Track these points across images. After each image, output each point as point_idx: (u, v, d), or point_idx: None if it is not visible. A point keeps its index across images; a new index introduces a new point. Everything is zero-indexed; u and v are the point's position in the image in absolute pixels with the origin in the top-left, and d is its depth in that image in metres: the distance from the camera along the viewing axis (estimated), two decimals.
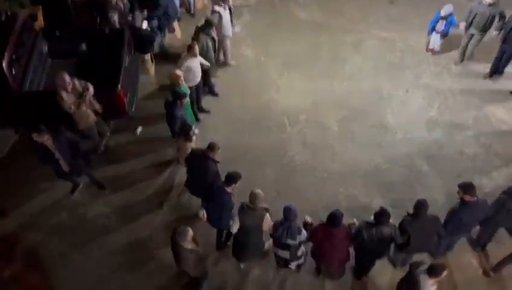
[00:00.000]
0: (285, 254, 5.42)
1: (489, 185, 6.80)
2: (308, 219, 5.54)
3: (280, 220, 5.14)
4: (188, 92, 6.77)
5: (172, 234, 4.88)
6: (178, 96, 6.34)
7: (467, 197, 5.16)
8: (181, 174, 6.93)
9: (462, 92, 8.37)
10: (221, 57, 8.79)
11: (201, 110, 7.88)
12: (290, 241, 5.18)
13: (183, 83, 6.70)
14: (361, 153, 7.39)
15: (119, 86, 6.87)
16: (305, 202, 6.65)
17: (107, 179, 7.03)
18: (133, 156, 7.37)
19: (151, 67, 8.82)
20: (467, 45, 8.62)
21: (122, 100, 6.98)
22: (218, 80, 8.62)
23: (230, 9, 8.15)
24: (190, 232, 4.81)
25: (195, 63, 7.01)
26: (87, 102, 6.43)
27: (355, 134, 7.68)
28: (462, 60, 8.89)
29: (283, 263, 5.71)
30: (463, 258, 6.12)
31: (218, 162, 5.75)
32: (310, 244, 5.44)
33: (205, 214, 5.76)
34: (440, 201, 6.62)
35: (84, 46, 7.78)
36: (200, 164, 5.70)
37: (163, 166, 7.26)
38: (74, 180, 6.72)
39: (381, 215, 5.01)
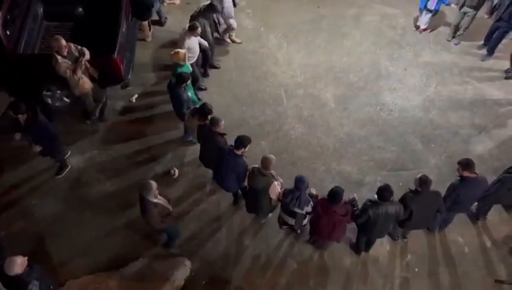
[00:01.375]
0: (291, 221, 5.57)
1: (481, 167, 6.88)
2: (314, 191, 5.60)
3: (291, 188, 5.26)
4: (190, 70, 6.73)
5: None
6: (182, 79, 6.20)
7: (466, 174, 5.28)
8: (175, 141, 6.95)
9: (460, 72, 8.34)
10: (227, 38, 8.64)
11: (199, 88, 7.75)
12: (297, 210, 5.30)
13: (187, 62, 6.63)
14: (356, 129, 7.43)
15: (116, 52, 6.78)
16: None
17: (101, 146, 7.06)
18: (128, 123, 7.37)
19: (149, 34, 8.68)
20: (459, 23, 8.63)
21: (119, 67, 6.91)
22: (216, 49, 8.49)
23: None
24: (154, 185, 4.97)
25: (195, 42, 6.90)
26: (82, 67, 6.35)
27: (351, 110, 7.69)
28: (453, 37, 8.88)
29: (285, 224, 5.83)
30: (450, 235, 6.29)
31: (225, 134, 5.80)
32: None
33: (176, 172, 5.81)
34: (431, 180, 6.73)
35: (80, 10, 7.62)
36: (209, 139, 5.78)
37: (158, 134, 7.27)
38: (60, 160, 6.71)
39: (385, 191, 5.07)
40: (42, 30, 7.48)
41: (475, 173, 5.31)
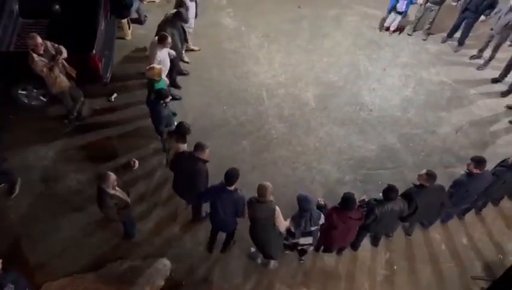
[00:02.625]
0: (309, 240, 5.30)
1: (457, 165, 7.04)
2: (322, 201, 5.51)
3: (297, 213, 5.01)
4: (167, 84, 6.56)
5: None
6: (162, 95, 5.93)
7: (476, 171, 5.43)
8: (156, 140, 6.89)
9: (438, 72, 8.51)
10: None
11: (174, 98, 7.32)
12: (313, 228, 5.12)
13: (163, 77, 6.39)
14: (336, 129, 7.49)
15: (94, 50, 6.67)
16: (279, 175, 6.76)
17: (80, 146, 6.94)
18: (107, 123, 7.26)
19: (128, 32, 8.58)
20: (420, 18, 8.90)
21: (97, 65, 6.80)
22: (197, 48, 8.47)
23: (196, 2, 7.66)
24: (112, 177, 4.95)
25: (165, 54, 6.64)
26: (60, 66, 6.23)
27: (331, 110, 7.75)
28: (415, 30, 9.12)
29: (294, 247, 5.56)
30: (427, 233, 6.40)
31: (207, 161, 5.35)
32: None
33: (136, 163, 5.55)
34: (409, 179, 6.79)
35: (57, 7, 7.47)
36: (189, 166, 5.30)
37: (138, 134, 7.18)
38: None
39: (391, 192, 5.11)
40: (18, 27, 7.31)
41: (483, 170, 5.50)
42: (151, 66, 6.25)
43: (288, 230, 5.12)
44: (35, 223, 6.13)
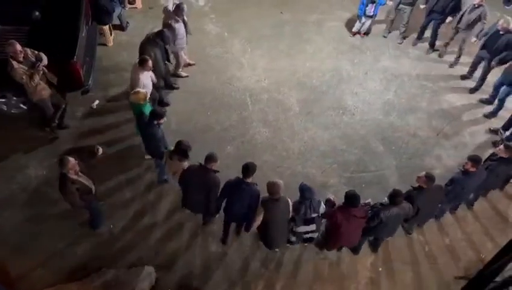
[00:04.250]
0: (312, 227, 5.43)
1: (438, 166, 7.18)
2: (331, 197, 5.61)
3: (298, 200, 5.19)
4: (151, 109, 6.18)
5: None
6: (157, 115, 5.74)
7: (472, 169, 5.60)
8: (139, 146, 6.83)
9: (418, 76, 8.67)
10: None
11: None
12: (313, 215, 5.25)
13: (148, 101, 6.17)
14: (320, 133, 7.56)
15: (75, 56, 6.61)
16: (264, 180, 6.72)
17: (62, 154, 6.81)
18: (89, 130, 7.18)
19: (110, 39, 8.52)
20: (394, 19, 9.13)
21: (78, 72, 6.75)
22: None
23: (184, 22, 7.41)
24: (71, 161, 4.95)
25: (147, 77, 6.46)
26: (40, 73, 6.14)
27: (314, 114, 7.82)
28: (389, 32, 9.36)
29: (302, 239, 5.74)
30: (410, 235, 6.50)
31: (218, 171, 5.33)
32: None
33: (100, 149, 5.53)
34: (392, 181, 6.97)
35: (37, 13, 7.36)
36: (202, 178, 5.24)
37: (121, 140, 7.11)
38: None
39: (397, 197, 5.18)
40: None
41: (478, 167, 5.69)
42: (136, 90, 6.05)
43: (292, 219, 5.29)
44: (17, 233, 6.01)
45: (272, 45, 8.95)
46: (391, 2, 8.89)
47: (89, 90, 7.41)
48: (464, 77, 8.71)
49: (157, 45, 6.77)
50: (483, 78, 8.28)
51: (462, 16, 8.19)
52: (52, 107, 6.75)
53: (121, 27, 8.79)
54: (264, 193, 5.19)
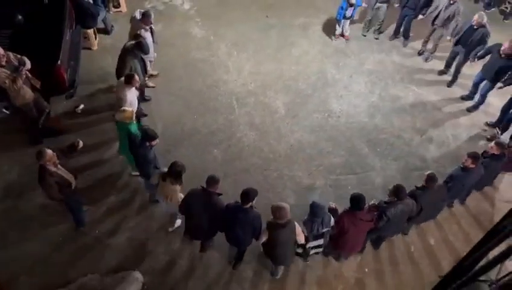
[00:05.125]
0: (320, 242, 5.38)
1: (423, 167, 7.28)
2: (333, 205, 5.55)
3: (309, 218, 5.09)
4: (137, 127, 6.03)
5: None
6: (149, 136, 5.49)
7: (472, 165, 5.73)
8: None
9: (401, 79, 8.80)
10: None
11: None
12: (324, 230, 5.20)
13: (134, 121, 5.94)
14: (306, 135, 7.61)
15: (59, 60, 6.55)
16: (251, 183, 6.75)
17: None
18: (73, 135, 7.09)
19: (95, 43, 8.46)
20: (372, 18, 9.34)
21: (62, 76, 6.69)
22: (166, 58, 8.44)
23: (151, 30, 7.25)
24: (49, 153, 4.96)
25: (133, 94, 6.31)
26: (23, 77, 6.07)
27: (300, 117, 7.87)
28: (368, 30, 9.58)
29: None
30: (395, 236, 6.57)
31: (221, 194, 5.14)
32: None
33: (80, 143, 5.45)
34: (377, 182, 7.05)
35: (20, 17, 7.27)
36: (206, 204, 5.03)
37: (106, 145, 7.06)
38: None
39: (400, 192, 5.20)
40: None
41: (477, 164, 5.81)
42: (123, 109, 5.83)
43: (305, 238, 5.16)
44: (1, 240, 5.91)
45: (258, 48, 8.99)
46: (366, 5, 9.18)
47: (74, 94, 7.35)
48: (441, 72, 8.97)
49: (137, 56, 6.61)
50: (457, 71, 8.59)
51: (438, 13, 8.45)
52: (35, 111, 6.67)
53: (105, 31, 8.74)
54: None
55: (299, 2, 10.24)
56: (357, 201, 5.03)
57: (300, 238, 5.07)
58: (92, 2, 8.01)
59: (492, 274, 4.45)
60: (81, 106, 7.50)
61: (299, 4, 10.18)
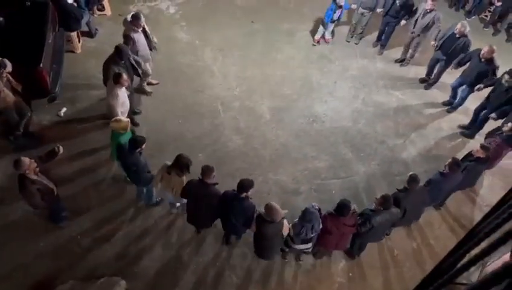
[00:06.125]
0: (307, 246, 5.54)
1: (405, 172, 7.36)
2: (316, 206, 5.61)
3: (299, 221, 5.22)
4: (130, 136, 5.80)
5: None
6: (137, 143, 5.41)
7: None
8: (107, 153, 6.71)
9: (385, 85, 8.92)
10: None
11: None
12: (313, 235, 5.32)
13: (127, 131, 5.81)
14: (291, 140, 7.65)
15: (41, 63, 6.46)
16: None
17: None
18: (56, 139, 6.97)
19: (78, 46, 8.37)
20: (356, 23, 9.42)
21: (45, 79, 6.62)
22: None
23: (145, 31, 7.19)
24: (26, 161, 4.90)
25: (124, 94, 6.22)
26: (4, 80, 5.97)
27: (286, 122, 7.91)
28: (352, 36, 9.69)
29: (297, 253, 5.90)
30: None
31: (217, 183, 5.36)
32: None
33: (61, 148, 5.42)
34: (361, 187, 7.12)
35: (1, 19, 7.15)
36: (203, 193, 5.24)
37: (89, 148, 6.99)
38: None
39: (387, 202, 5.28)
40: None
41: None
42: (118, 118, 5.71)
43: (288, 234, 5.33)
44: None
45: (244, 53, 9.02)
46: (355, 5, 9.21)
47: (56, 97, 7.26)
48: (423, 80, 9.10)
49: (118, 63, 6.42)
50: (438, 77, 8.77)
51: (416, 21, 8.58)
52: (16, 115, 6.55)
53: (89, 34, 8.65)
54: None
55: (284, 8, 10.32)
56: (342, 208, 5.16)
57: (285, 231, 5.21)
58: (75, 4, 7.92)
59: (474, 279, 4.55)
60: (64, 109, 7.40)
61: (285, 10, 10.25)
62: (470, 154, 6.38)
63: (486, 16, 10.94)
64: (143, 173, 5.70)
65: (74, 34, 8.15)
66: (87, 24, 8.43)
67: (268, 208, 4.97)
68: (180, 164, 5.33)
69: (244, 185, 5.11)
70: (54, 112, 7.36)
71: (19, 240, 5.91)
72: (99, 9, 9.13)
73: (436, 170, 6.10)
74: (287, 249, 5.75)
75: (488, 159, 6.25)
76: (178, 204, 6.27)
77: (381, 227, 5.49)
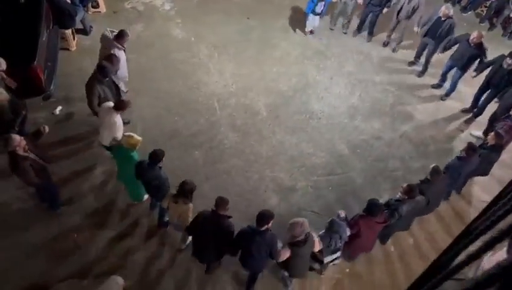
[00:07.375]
0: (337, 255, 5.54)
1: (402, 168, 7.40)
2: (343, 214, 5.47)
3: (328, 234, 5.18)
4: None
5: None
6: (157, 156, 5.28)
7: (465, 156, 6.06)
8: (102, 155, 6.68)
9: (381, 81, 8.92)
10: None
11: None
12: (341, 244, 5.31)
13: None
14: (288, 137, 7.64)
15: (36, 61, 6.41)
16: (233, 185, 6.78)
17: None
18: (51, 137, 6.94)
19: (73, 43, 8.31)
20: (340, 12, 9.56)
21: (39, 77, 6.56)
22: (146, 59, 8.36)
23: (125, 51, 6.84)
24: (16, 137, 4.92)
25: (120, 119, 6.03)
26: None
27: (282, 119, 7.90)
28: (335, 24, 9.82)
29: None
30: None
31: (231, 216, 5.01)
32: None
33: (46, 128, 5.43)
34: (358, 183, 7.12)
35: None
36: (215, 226, 4.89)
37: (84, 146, 6.96)
38: None
39: (413, 191, 5.36)
40: None
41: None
42: (131, 134, 5.55)
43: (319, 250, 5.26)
44: None
45: (239, 50, 8.98)
46: None
47: (51, 95, 7.21)
48: (411, 63, 9.31)
49: (103, 82, 6.17)
50: (427, 62, 8.93)
51: (401, 7, 8.73)
52: (11, 113, 6.50)
53: (84, 31, 8.59)
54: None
55: (280, 4, 10.29)
56: (372, 208, 5.16)
57: (316, 248, 5.10)
58: (70, 1, 7.86)
59: (471, 274, 4.56)
60: (59, 108, 7.36)
61: (280, 6, 10.22)
62: (484, 142, 6.48)
63: (482, 10, 10.95)
64: (164, 186, 5.52)
65: (69, 31, 8.10)
66: (82, 21, 8.37)
67: (294, 225, 4.74)
68: (185, 190, 5.12)
69: (265, 216, 4.76)
70: (49, 110, 7.31)
71: (12, 239, 5.86)
72: (93, 7, 9.07)
73: (434, 164, 6.09)
74: (316, 265, 5.65)
75: (502, 146, 6.35)
76: (188, 240, 5.95)
77: (409, 216, 5.60)
